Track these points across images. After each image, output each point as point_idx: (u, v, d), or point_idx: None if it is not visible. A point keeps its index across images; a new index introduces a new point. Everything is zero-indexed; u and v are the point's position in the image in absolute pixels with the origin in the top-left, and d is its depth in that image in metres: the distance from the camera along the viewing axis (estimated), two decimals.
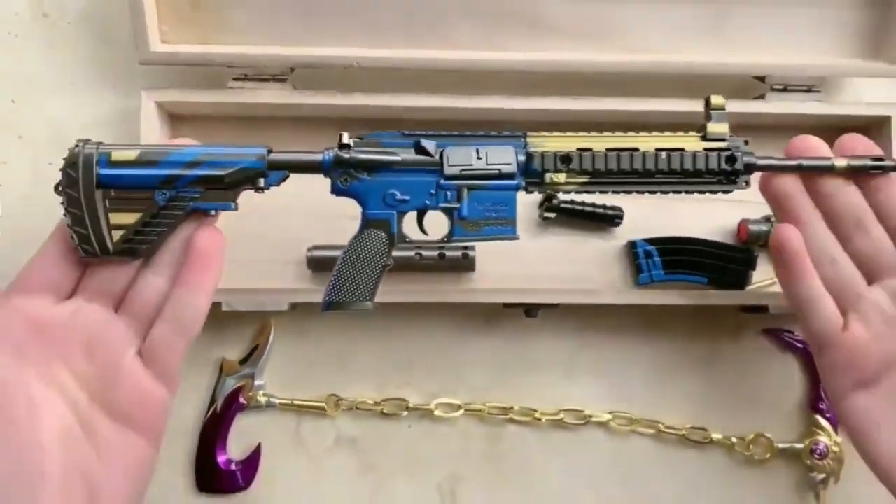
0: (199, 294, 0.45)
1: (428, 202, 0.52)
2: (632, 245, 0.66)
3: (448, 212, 0.52)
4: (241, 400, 0.65)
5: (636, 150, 0.52)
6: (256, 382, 0.65)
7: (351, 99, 0.62)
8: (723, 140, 0.53)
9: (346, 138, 0.51)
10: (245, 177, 0.49)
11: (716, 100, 0.52)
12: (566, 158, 0.51)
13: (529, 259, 0.66)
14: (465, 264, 0.65)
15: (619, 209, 0.67)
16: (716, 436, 0.66)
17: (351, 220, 0.66)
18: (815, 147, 0.52)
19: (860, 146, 0.52)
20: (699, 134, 0.53)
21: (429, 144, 0.51)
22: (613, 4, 0.63)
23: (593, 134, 0.52)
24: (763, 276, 0.67)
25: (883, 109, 0.64)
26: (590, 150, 0.52)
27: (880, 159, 0.51)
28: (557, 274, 0.66)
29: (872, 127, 0.65)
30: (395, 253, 0.65)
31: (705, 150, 0.52)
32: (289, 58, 0.61)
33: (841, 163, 0.50)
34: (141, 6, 0.59)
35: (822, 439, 0.66)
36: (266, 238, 0.65)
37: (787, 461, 0.67)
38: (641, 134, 0.53)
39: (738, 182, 0.53)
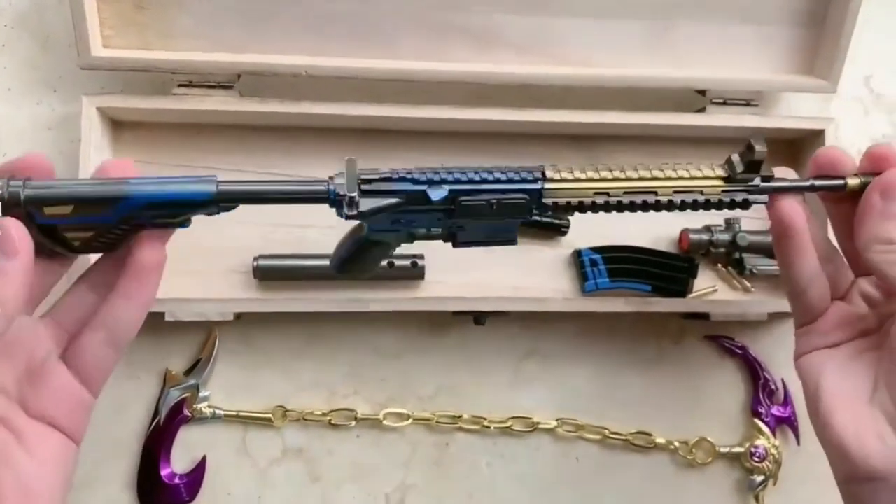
0: (133, 306, 0.44)
1: (434, 229, 0.49)
2: (578, 253, 0.67)
3: (452, 235, 0.50)
4: (186, 412, 0.64)
5: (654, 192, 0.47)
6: (201, 394, 0.64)
7: (298, 107, 0.61)
8: (748, 186, 0.48)
9: (345, 188, 0.43)
10: (203, 211, 0.43)
11: (759, 147, 0.46)
12: (580, 206, 0.48)
13: (478, 267, 0.66)
14: (415, 273, 0.65)
15: (566, 220, 0.68)
16: (659, 440, 0.68)
17: (299, 228, 0.66)
18: (837, 158, 0.48)
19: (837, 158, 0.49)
20: (724, 175, 0.48)
21: (438, 194, 0.45)
22: (558, 18, 0.64)
23: (612, 176, 0.47)
24: (704, 284, 0.69)
25: (817, 123, 0.66)
26: (606, 193, 0.47)
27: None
28: (506, 282, 0.67)
29: (807, 140, 0.68)
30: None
31: (724, 191, 0.48)
32: (235, 64, 0.61)
33: (854, 181, 0.47)
34: (82, 9, 0.58)
35: (761, 443, 0.68)
36: (211, 246, 0.64)
37: (728, 464, 0.68)
38: (661, 175, 0.47)
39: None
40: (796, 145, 0.70)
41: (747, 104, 0.66)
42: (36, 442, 0.42)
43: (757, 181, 0.47)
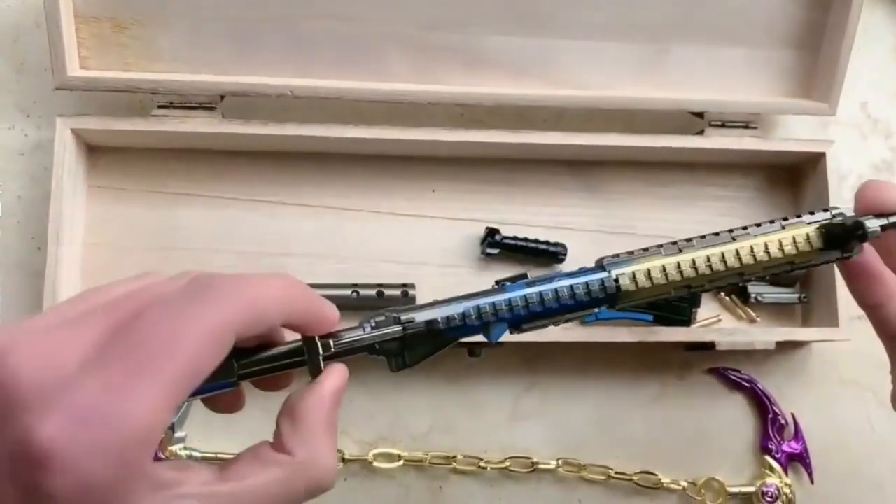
0: None
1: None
2: None
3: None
4: (160, 455, 0.59)
5: (741, 274, 0.42)
6: (176, 434, 0.60)
7: (283, 129, 0.59)
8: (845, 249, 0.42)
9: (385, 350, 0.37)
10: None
11: (871, 227, 0.41)
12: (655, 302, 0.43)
13: None
14: (406, 303, 0.62)
15: (563, 245, 0.65)
16: (666, 480, 0.64)
17: (280, 258, 0.63)
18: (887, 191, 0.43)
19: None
20: (821, 247, 0.42)
21: (497, 334, 0.39)
22: (551, 39, 0.62)
23: (696, 274, 0.41)
24: (707, 314, 0.66)
25: (817, 146, 0.65)
26: (687, 287, 0.41)
27: None
28: None
29: (808, 163, 0.66)
30: (331, 292, 0.62)
31: (819, 251, 0.42)
32: (218, 85, 0.58)
33: None
34: (59, 29, 0.56)
35: (773, 481, 0.64)
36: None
37: None
38: (752, 262, 0.41)
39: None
40: (794, 170, 0.68)
41: (746, 126, 0.65)
42: None
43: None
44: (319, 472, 0.32)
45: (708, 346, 0.63)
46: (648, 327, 0.63)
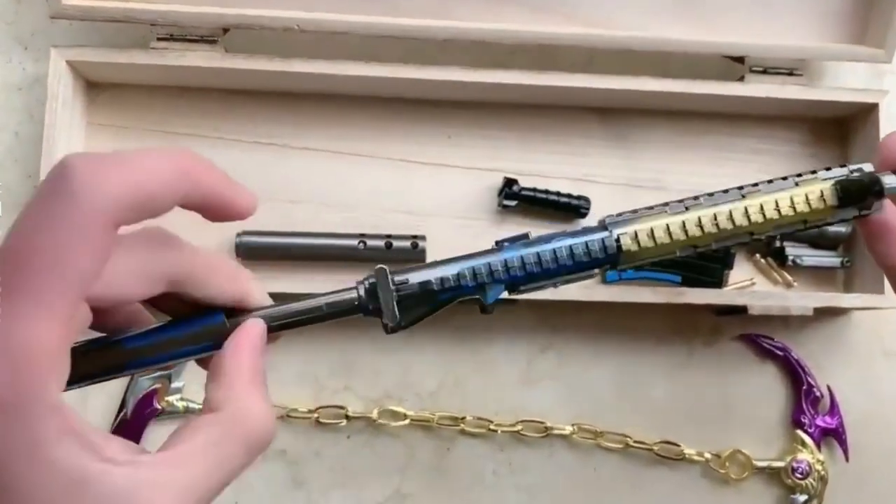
0: None
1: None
2: None
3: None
4: (156, 405, 0.57)
5: (749, 234, 0.38)
6: (173, 384, 0.58)
7: (289, 65, 0.55)
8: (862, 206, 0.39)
9: (380, 308, 0.35)
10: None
11: (889, 184, 0.38)
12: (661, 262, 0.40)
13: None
14: (415, 255, 0.59)
15: (586, 199, 0.61)
16: (688, 451, 0.60)
17: (288, 204, 0.60)
18: None
19: None
20: (835, 205, 0.38)
21: (493, 296, 0.38)
22: None
23: (701, 233, 0.38)
24: (740, 277, 0.62)
25: (870, 97, 0.59)
26: (693, 247, 0.39)
27: None
28: None
29: (859, 115, 0.61)
30: (336, 242, 0.59)
31: (833, 215, 0.39)
32: (221, 16, 0.55)
33: None
34: None
35: (804, 457, 0.60)
36: (190, 221, 0.57)
37: (766, 480, 0.61)
38: (760, 220, 0.38)
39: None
40: (844, 123, 0.63)
41: (790, 74, 0.60)
42: None
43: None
44: (252, 424, 0.30)
45: (740, 311, 0.58)
46: (676, 288, 0.59)
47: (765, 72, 0.59)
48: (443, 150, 0.61)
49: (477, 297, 0.37)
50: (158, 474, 0.26)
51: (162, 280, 0.30)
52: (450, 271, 0.36)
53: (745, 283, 0.62)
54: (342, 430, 0.59)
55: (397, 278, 0.35)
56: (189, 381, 0.59)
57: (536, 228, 0.60)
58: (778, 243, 0.61)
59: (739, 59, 0.59)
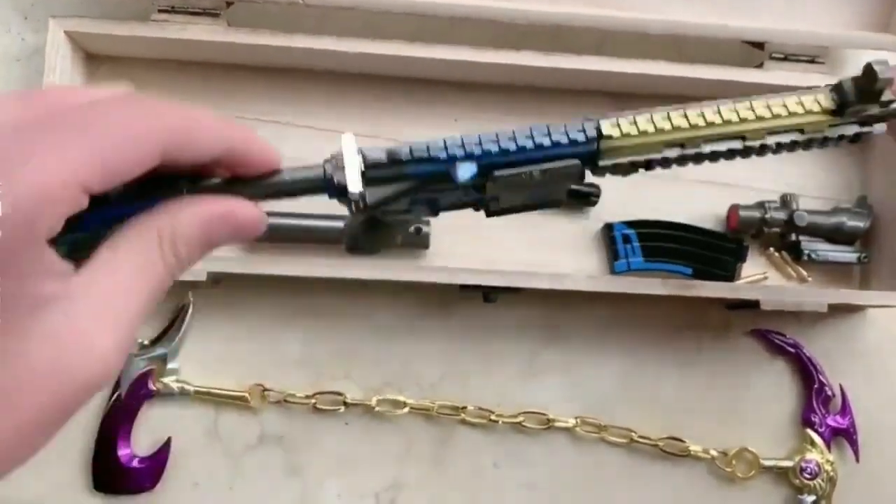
0: None
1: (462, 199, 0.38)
2: (609, 228, 0.59)
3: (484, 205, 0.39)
4: (151, 386, 0.56)
5: (742, 137, 0.37)
6: (169, 366, 0.57)
7: (292, 40, 0.54)
8: (863, 117, 0.37)
9: (345, 179, 0.33)
10: None
11: (881, 70, 0.36)
12: (647, 164, 0.38)
13: (491, 237, 0.59)
14: (418, 241, 0.57)
15: (596, 186, 0.59)
16: (694, 448, 0.58)
17: None
18: None
19: None
20: (831, 108, 0.37)
21: (464, 174, 0.35)
22: None
23: (688, 124, 0.36)
24: (753, 271, 0.60)
25: None
26: (680, 145, 0.37)
27: None
28: (522, 255, 0.59)
29: None
30: (337, 224, 0.57)
31: (831, 125, 0.38)
32: None
33: None
34: None
35: (813, 457, 0.59)
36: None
37: (774, 480, 0.59)
38: (751, 116, 0.37)
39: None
40: None
41: (812, 61, 0.58)
42: None
43: (874, 110, 0.37)
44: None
45: (751, 305, 0.57)
46: (686, 280, 0.57)
47: (785, 59, 0.58)
48: (449, 133, 0.59)
49: (447, 173, 0.34)
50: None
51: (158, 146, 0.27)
52: (420, 143, 0.34)
53: (758, 277, 0.60)
54: (340, 417, 0.58)
55: (366, 151, 0.34)
56: (184, 363, 0.57)
57: (543, 215, 0.60)
58: (794, 237, 0.59)
59: (759, 45, 0.58)
